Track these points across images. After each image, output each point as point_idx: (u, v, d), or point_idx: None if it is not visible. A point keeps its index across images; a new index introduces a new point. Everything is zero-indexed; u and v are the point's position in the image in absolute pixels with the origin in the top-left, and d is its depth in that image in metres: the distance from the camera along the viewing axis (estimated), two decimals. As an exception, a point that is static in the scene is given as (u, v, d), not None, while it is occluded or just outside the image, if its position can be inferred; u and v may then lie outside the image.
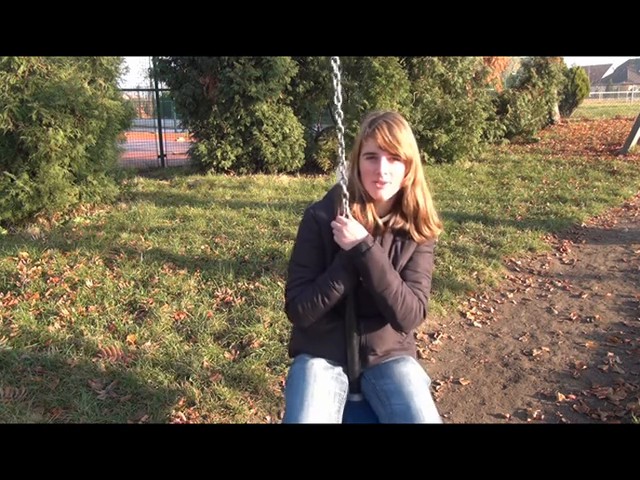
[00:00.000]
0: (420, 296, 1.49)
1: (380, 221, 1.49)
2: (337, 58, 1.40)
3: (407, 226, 1.49)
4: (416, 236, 1.49)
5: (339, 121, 1.44)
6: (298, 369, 1.51)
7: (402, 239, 1.51)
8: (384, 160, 1.40)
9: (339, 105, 1.43)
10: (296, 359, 1.60)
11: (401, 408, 1.37)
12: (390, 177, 1.42)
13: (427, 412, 1.34)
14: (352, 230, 1.41)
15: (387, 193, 1.44)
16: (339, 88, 1.43)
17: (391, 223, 1.50)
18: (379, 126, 1.40)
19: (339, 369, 1.54)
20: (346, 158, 1.48)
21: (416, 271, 1.51)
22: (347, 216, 1.44)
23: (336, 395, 1.45)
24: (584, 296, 3.75)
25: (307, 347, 1.59)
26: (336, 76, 1.41)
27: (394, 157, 1.41)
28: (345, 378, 1.54)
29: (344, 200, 1.43)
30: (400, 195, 1.48)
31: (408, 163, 1.43)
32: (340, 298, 1.47)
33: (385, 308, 1.44)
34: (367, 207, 1.47)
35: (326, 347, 1.55)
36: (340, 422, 1.42)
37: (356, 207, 1.47)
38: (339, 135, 1.45)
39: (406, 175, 1.45)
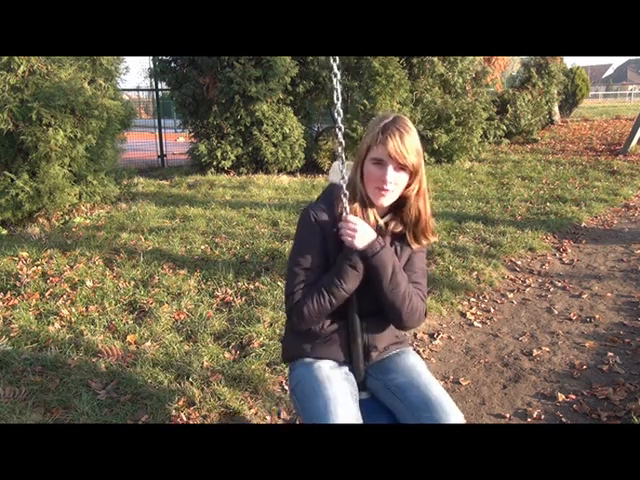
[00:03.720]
0: (421, 296, 1.52)
1: (381, 221, 1.49)
2: (337, 57, 1.40)
3: (405, 232, 1.50)
4: (413, 244, 1.51)
5: (339, 120, 1.44)
6: (305, 373, 1.49)
7: (400, 241, 1.52)
8: (391, 169, 1.39)
9: (338, 104, 1.43)
10: (295, 364, 1.58)
11: (420, 399, 1.40)
12: (394, 186, 1.41)
13: (446, 400, 1.39)
14: (363, 230, 1.41)
15: (388, 200, 1.44)
16: (339, 87, 1.42)
17: (391, 226, 1.50)
18: (392, 134, 1.38)
19: (345, 369, 1.54)
20: (346, 157, 1.47)
21: (414, 271, 1.53)
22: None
23: (352, 395, 1.44)
24: (584, 296, 3.75)
25: (307, 351, 1.55)
26: (336, 75, 1.41)
27: (401, 167, 1.40)
28: (352, 377, 1.53)
29: (345, 200, 1.42)
30: (401, 202, 1.48)
31: (414, 173, 1.43)
32: (345, 298, 1.46)
33: (392, 307, 1.46)
34: (369, 209, 1.47)
35: (329, 349, 1.53)
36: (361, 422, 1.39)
37: (357, 208, 1.46)
38: (339, 134, 1.44)
39: (410, 185, 1.44)
